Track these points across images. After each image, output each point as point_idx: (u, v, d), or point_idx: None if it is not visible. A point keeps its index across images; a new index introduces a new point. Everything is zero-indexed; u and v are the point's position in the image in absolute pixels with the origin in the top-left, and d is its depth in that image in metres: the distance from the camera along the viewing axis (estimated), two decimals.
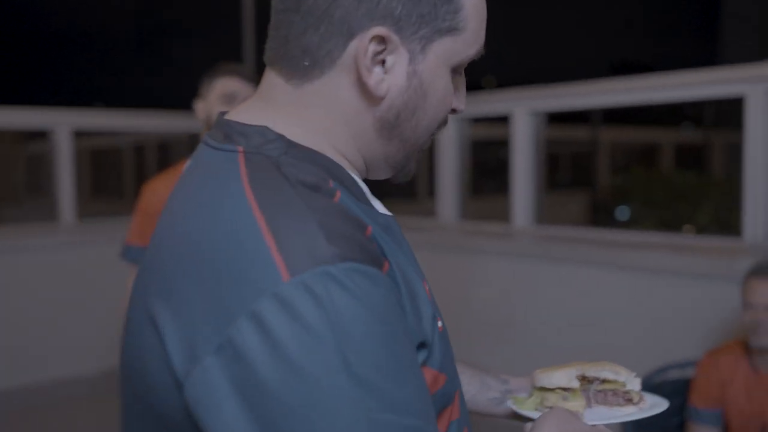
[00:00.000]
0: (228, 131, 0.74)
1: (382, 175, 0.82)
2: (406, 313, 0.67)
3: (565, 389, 0.96)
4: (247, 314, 0.57)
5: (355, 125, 0.75)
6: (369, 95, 0.73)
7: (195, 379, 0.59)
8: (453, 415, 0.78)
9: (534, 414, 0.96)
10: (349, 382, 0.57)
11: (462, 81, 0.82)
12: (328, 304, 0.57)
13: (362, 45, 0.70)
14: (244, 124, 0.74)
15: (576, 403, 0.95)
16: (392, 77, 0.73)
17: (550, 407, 0.94)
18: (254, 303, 0.57)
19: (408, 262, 0.74)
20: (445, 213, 4.12)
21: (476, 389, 1.03)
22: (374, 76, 0.72)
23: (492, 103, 4.00)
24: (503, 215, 3.88)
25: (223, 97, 2.32)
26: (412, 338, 0.66)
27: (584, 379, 0.97)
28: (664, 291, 2.94)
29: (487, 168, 10.43)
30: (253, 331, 0.57)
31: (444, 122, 0.81)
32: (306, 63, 0.72)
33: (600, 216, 12.92)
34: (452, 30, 0.73)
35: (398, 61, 0.72)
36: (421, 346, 0.69)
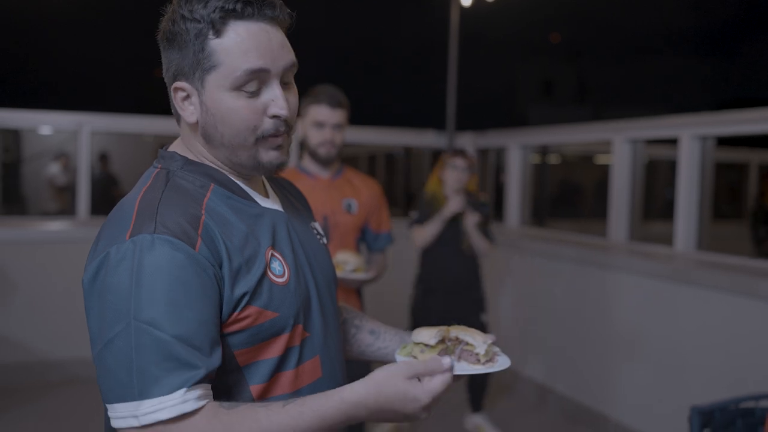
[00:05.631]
0: (160, 155, 1.19)
1: (252, 172, 1.18)
2: (219, 269, 1.04)
3: (426, 345, 1.20)
4: (106, 253, 1.01)
5: (200, 145, 1.16)
6: (190, 125, 1.14)
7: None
8: (292, 342, 1.14)
9: (400, 358, 1.22)
10: (130, 300, 0.97)
11: (276, 93, 1.11)
12: (138, 252, 0.99)
13: (173, 95, 1.13)
14: (167, 151, 1.19)
15: (427, 357, 1.16)
16: (196, 109, 1.12)
17: (414, 357, 1.19)
18: (110, 247, 1.01)
19: (264, 237, 1.13)
20: (615, 233, 4.21)
21: (396, 345, 1.37)
22: (186, 111, 1.13)
23: (659, 128, 4.04)
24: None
25: (314, 125, 2.59)
26: (209, 288, 1.02)
27: (457, 340, 1.21)
28: None
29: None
30: (105, 261, 1.01)
31: (270, 128, 1.12)
32: (173, 111, 1.16)
33: None
34: (212, 67, 1.09)
35: (195, 98, 1.12)
36: (244, 294, 1.06)
